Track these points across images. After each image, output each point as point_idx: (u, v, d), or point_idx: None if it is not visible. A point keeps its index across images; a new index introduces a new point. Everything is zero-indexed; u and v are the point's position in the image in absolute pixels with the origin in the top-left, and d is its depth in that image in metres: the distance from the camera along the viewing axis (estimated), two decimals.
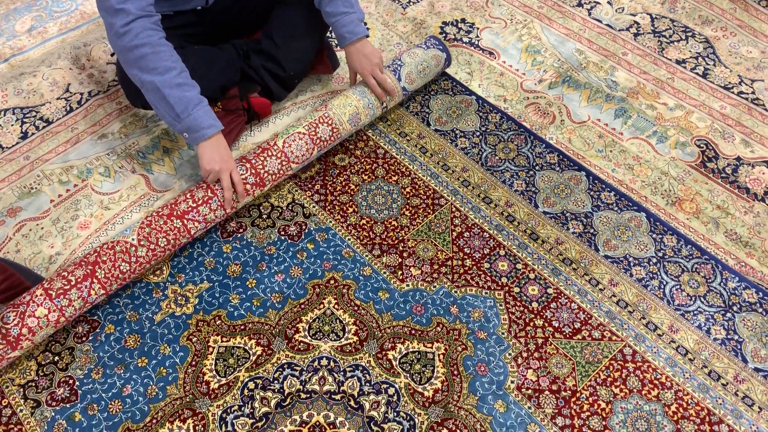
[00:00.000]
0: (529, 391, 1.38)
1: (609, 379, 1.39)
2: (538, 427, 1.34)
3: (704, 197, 1.66)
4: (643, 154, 1.75)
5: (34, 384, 1.42)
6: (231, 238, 1.62)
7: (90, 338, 1.48)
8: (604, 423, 1.34)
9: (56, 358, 1.45)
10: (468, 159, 1.76)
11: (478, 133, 1.82)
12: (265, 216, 1.67)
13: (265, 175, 1.60)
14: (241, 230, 1.64)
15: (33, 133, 1.81)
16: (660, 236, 1.60)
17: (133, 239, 1.47)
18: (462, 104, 1.89)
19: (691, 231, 1.61)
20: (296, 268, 1.58)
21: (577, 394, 1.37)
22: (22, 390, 1.41)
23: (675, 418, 1.34)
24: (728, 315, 1.47)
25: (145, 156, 1.77)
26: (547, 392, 1.38)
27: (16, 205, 1.68)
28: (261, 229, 1.64)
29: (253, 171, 1.58)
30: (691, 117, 1.83)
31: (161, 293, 1.54)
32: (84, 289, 1.42)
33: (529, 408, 1.36)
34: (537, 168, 1.74)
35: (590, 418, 1.34)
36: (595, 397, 1.37)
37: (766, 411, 1.34)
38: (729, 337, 1.44)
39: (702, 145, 1.77)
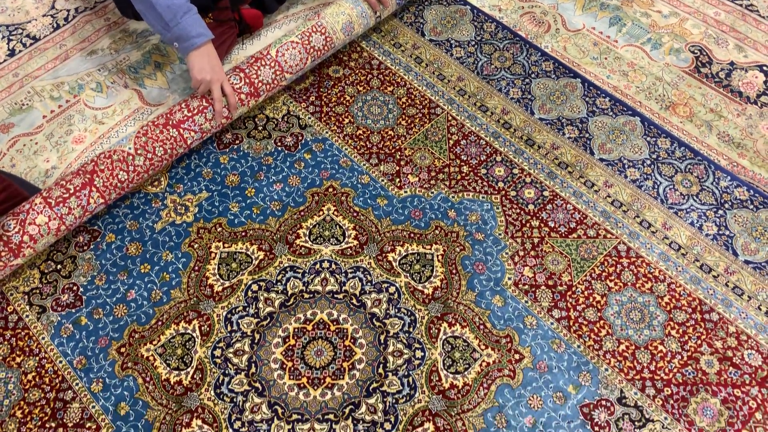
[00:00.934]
0: (526, 287, 1.42)
1: (604, 273, 1.43)
2: (535, 320, 1.38)
3: (698, 101, 1.67)
4: (637, 60, 1.75)
5: (38, 291, 1.43)
6: (228, 150, 1.62)
7: (91, 247, 1.49)
8: (599, 314, 1.38)
9: (59, 266, 1.46)
10: (464, 68, 1.76)
11: (473, 43, 1.80)
12: (260, 128, 1.66)
13: (260, 84, 1.58)
14: (237, 141, 1.64)
15: (20, 50, 1.77)
16: (654, 139, 1.61)
17: (130, 148, 1.47)
18: (456, 14, 1.87)
19: (685, 134, 1.62)
20: (294, 177, 1.58)
21: (573, 289, 1.41)
22: (26, 297, 1.42)
23: (668, 309, 1.38)
24: (720, 212, 1.50)
25: (137, 71, 1.74)
26: (543, 287, 1.41)
27: (8, 121, 1.66)
28: (257, 141, 1.64)
29: (247, 81, 1.56)
30: (685, 24, 1.82)
31: (160, 203, 1.55)
32: (83, 198, 1.42)
33: (526, 302, 1.40)
34: (533, 76, 1.73)
35: (585, 310, 1.38)
36: (590, 291, 1.41)
37: (754, 300, 1.38)
38: (720, 232, 1.47)
39: (696, 51, 1.77)
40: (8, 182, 1.45)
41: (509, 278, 1.43)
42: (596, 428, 1.26)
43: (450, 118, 1.66)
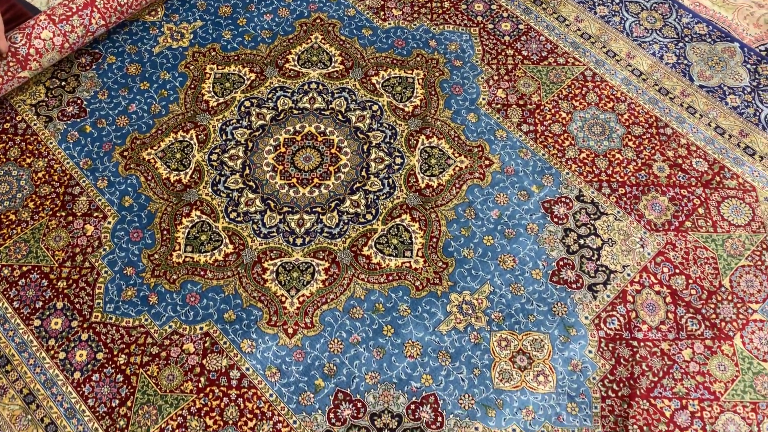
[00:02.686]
0: (498, 106, 1.54)
1: (570, 95, 1.55)
2: (505, 133, 1.51)
3: None
4: None
5: (44, 104, 1.53)
6: None
7: (93, 67, 1.58)
8: (564, 128, 1.51)
9: (63, 83, 1.56)
10: None
11: None
12: None
13: None
14: None
15: None
16: None
17: None
18: None
19: None
20: (284, 9, 1.67)
21: (541, 107, 1.53)
22: (33, 108, 1.53)
23: (626, 124, 1.51)
24: (680, 44, 1.61)
25: None
26: (514, 106, 1.54)
27: None
28: None
29: None
30: None
31: (158, 30, 1.63)
32: (85, 17, 1.51)
33: (498, 118, 1.52)
34: None
35: (552, 125, 1.51)
36: (557, 109, 1.53)
37: (705, 117, 1.52)
38: (679, 62, 1.59)
39: None
40: (13, 2, 1.53)
41: (483, 99, 1.55)
42: (555, 219, 1.40)
43: None
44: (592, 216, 1.40)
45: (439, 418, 1.21)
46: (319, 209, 1.41)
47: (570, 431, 1.20)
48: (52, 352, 1.27)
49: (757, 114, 1.50)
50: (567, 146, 1.48)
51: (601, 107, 1.53)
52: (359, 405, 1.23)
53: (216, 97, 1.54)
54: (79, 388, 1.24)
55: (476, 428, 1.21)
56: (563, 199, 1.42)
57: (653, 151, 1.47)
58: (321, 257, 1.36)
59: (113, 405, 1.23)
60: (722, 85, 1.54)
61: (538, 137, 1.49)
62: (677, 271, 1.34)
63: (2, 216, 1.40)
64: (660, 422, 1.21)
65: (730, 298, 1.31)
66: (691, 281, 1.33)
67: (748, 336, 1.28)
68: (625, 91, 1.55)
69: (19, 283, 1.33)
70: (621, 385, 1.24)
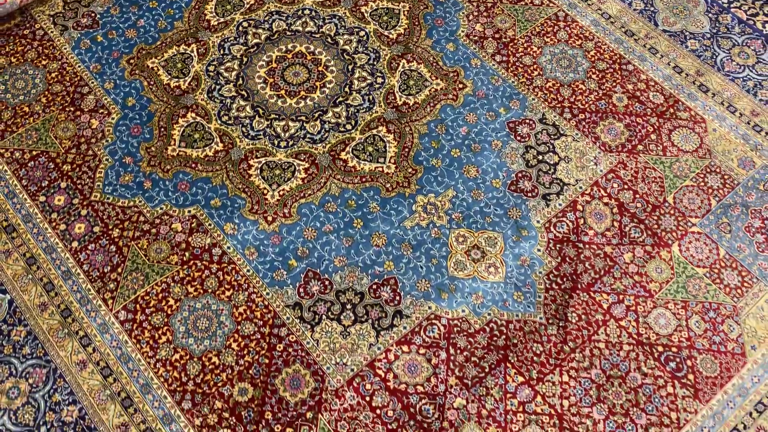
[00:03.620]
0: (476, 38, 1.67)
1: (542, 32, 1.68)
2: (480, 61, 1.64)
3: None
4: None
5: (62, 15, 1.68)
6: None
7: None
8: (534, 60, 1.64)
9: None
10: None
11: None
12: None
13: None
14: None
15: None
16: None
17: None
18: None
19: None
20: None
21: (515, 41, 1.67)
22: (51, 18, 1.68)
23: (592, 60, 1.64)
24: None
25: None
26: (490, 39, 1.67)
27: None
28: None
29: None
30: None
31: None
32: None
33: (474, 48, 1.66)
34: None
35: (523, 57, 1.64)
36: (529, 44, 1.66)
37: (666, 57, 1.64)
38: (647, 8, 1.72)
39: None
40: None
41: (462, 31, 1.68)
42: (518, 137, 1.53)
43: None
44: (552, 136, 1.53)
45: (397, 297, 1.35)
46: (303, 118, 1.55)
47: (514, 315, 1.33)
48: (54, 224, 1.42)
49: (714, 57, 1.63)
50: (535, 76, 1.61)
51: (570, 44, 1.66)
52: (327, 283, 1.36)
53: (217, 17, 1.68)
54: (75, 255, 1.38)
55: (429, 307, 1.34)
56: (527, 121, 1.55)
57: (614, 83, 1.60)
58: (302, 159, 1.50)
59: (105, 270, 1.37)
60: (684, 31, 1.67)
61: (509, 67, 1.62)
62: (626, 187, 1.47)
63: (17, 108, 1.55)
64: (597, 312, 1.33)
65: (672, 212, 1.44)
66: (638, 196, 1.45)
67: (685, 245, 1.40)
68: (594, 32, 1.68)
69: (29, 164, 1.48)
70: (564, 279, 1.37)
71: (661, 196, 1.45)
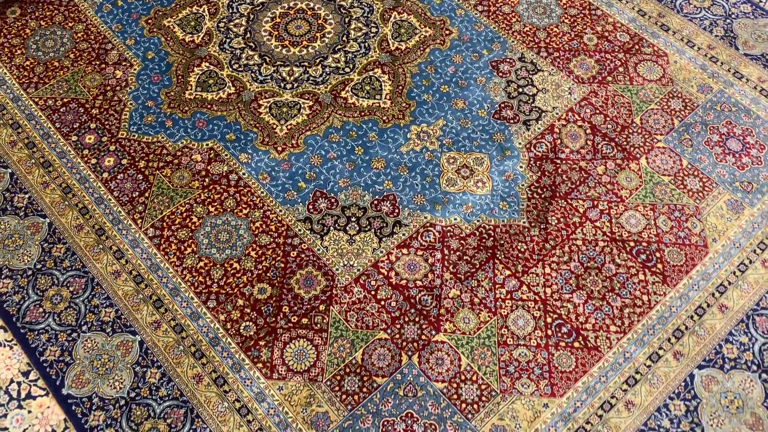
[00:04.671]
0: None
1: None
2: (464, 11, 1.82)
3: None
4: None
5: None
6: None
7: None
8: (512, 9, 1.82)
9: None
10: None
11: None
12: None
13: None
14: None
15: None
16: None
17: None
18: None
19: None
20: None
21: None
22: None
23: (565, 7, 1.83)
24: None
25: None
26: None
27: None
28: None
29: None
30: None
31: None
32: None
33: (459, 0, 1.84)
34: None
35: (502, 6, 1.83)
36: None
37: (630, 2, 1.83)
38: None
39: None
40: None
41: None
42: (500, 74, 1.71)
43: None
44: (530, 72, 1.71)
45: (396, 210, 1.51)
46: (306, 64, 1.73)
47: (500, 221, 1.50)
48: (86, 158, 1.58)
49: (674, 1, 1.81)
50: (514, 22, 1.80)
51: None
52: (333, 200, 1.53)
53: None
54: (106, 184, 1.55)
55: (425, 217, 1.50)
56: (508, 60, 1.73)
57: (585, 26, 1.78)
58: (306, 98, 1.67)
59: (134, 196, 1.53)
60: None
61: (490, 15, 1.81)
62: (597, 111, 1.64)
63: (48, 63, 1.72)
64: (575, 216, 1.50)
65: (639, 131, 1.61)
66: (608, 119, 1.63)
67: (651, 158, 1.57)
68: None
69: (61, 110, 1.65)
70: (544, 190, 1.54)
71: (629, 118, 1.63)
